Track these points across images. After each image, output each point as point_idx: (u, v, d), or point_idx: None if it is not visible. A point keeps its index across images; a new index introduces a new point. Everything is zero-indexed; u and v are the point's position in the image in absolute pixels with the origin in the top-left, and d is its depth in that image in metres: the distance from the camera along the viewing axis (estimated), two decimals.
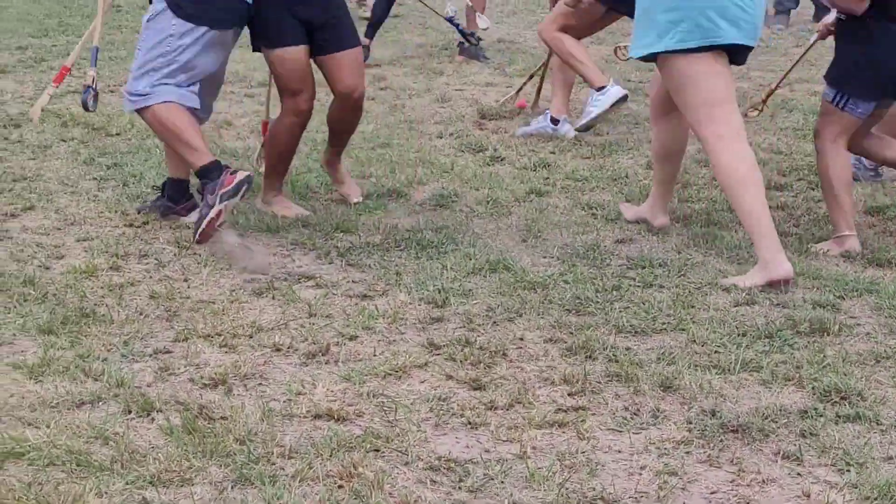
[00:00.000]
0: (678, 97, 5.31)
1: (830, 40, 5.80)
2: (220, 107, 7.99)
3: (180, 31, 5.45)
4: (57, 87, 6.14)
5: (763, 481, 3.49)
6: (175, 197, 5.88)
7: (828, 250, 5.43)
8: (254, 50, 5.90)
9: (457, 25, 9.65)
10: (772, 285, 4.95)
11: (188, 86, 5.54)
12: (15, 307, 4.69)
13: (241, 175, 5.28)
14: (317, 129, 7.45)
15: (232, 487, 3.41)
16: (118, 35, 10.48)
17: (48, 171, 6.61)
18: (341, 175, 6.20)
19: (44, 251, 5.37)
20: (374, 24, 9.71)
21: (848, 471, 3.53)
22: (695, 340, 4.44)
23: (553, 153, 7.03)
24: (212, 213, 5.22)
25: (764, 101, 6.92)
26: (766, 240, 5.06)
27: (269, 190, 6.01)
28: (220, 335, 4.47)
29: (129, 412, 3.86)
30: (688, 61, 5.20)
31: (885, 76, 5.41)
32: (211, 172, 5.33)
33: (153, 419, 3.82)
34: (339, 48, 5.85)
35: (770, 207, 5.88)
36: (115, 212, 5.91)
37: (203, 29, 5.47)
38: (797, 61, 6.97)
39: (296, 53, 5.76)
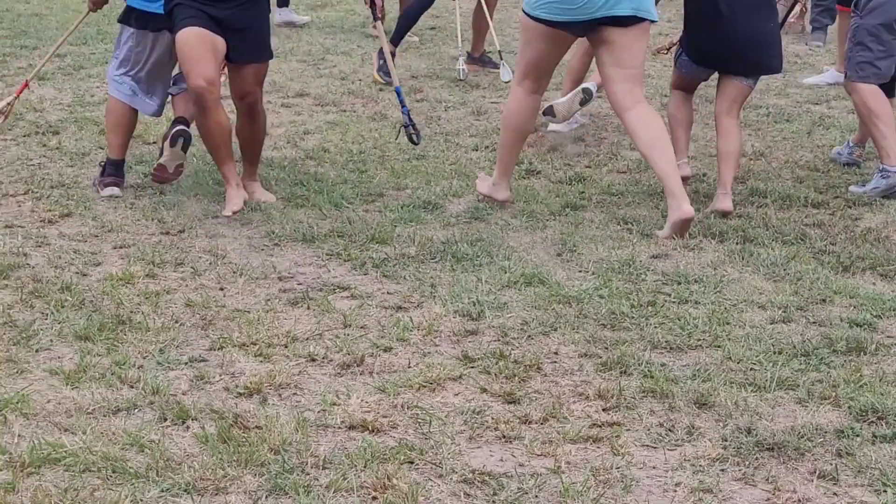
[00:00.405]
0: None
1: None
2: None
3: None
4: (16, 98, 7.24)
5: (799, 500, 3.48)
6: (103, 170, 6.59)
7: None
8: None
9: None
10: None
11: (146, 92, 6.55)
12: (52, 313, 4.72)
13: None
14: (352, 140, 7.48)
15: (266, 497, 3.43)
16: None
17: (86, 178, 6.65)
18: (251, 189, 6.31)
19: (81, 258, 5.40)
20: (400, 32, 9.69)
21: (884, 491, 3.51)
22: (730, 357, 4.42)
23: (589, 167, 7.02)
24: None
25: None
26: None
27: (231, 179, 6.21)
28: (255, 344, 4.49)
29: (165, 420, 3.88)
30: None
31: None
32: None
33: (188, 427, 3.84)
34: (243, 60, 6.14)
35: (807, 225, 5.89)
36: (152, 219, 5.93)
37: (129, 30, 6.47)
38: None
39: (193, 32, 5.95)
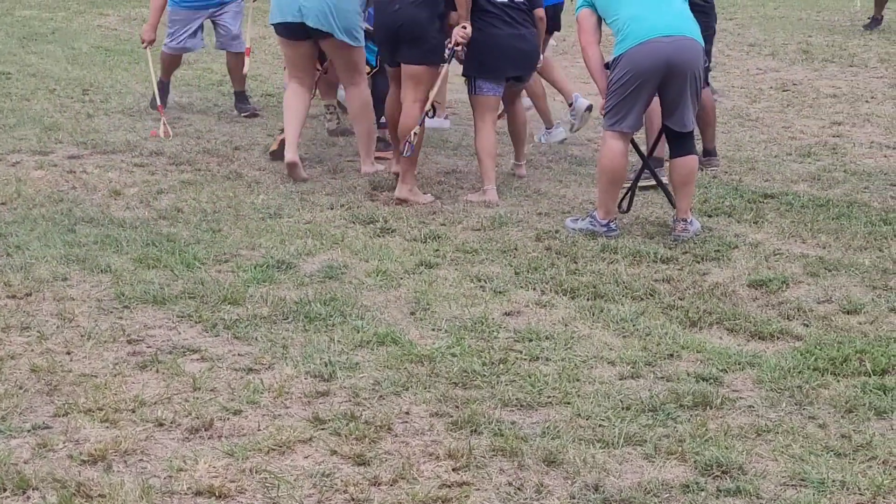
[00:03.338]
0: None
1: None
2: (111, 176, 7.95)
3: None
4: None
5: None
6: None
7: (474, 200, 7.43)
8: None
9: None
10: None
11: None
12: None
13: None
14: (207, 199, 7.41)
15: None
16: (7, 102, 10.34)
17: None
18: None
19: None
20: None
21: None
22: (580, 414, 4.47)
23: (443, 225, 7.05)
24: None
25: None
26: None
27: None
28: (101, 410, 4.42)
29: (4, 490, 3.79)
30: None
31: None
32: None
33: (28, 497, 3.77)
34: None
35: (656, 280, 5.99)
36: None
37: None
38: None
39: None
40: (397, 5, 7.55)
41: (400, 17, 7.52)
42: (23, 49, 13.53)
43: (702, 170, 7.96)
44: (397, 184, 7.60)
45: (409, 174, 7.54)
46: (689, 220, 6.86)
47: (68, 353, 4.99)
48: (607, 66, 6.87)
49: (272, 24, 8.24)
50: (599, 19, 6.92)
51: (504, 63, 7.68)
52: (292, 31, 8.10)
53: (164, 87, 10.15)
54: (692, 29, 6.79)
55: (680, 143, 6.91)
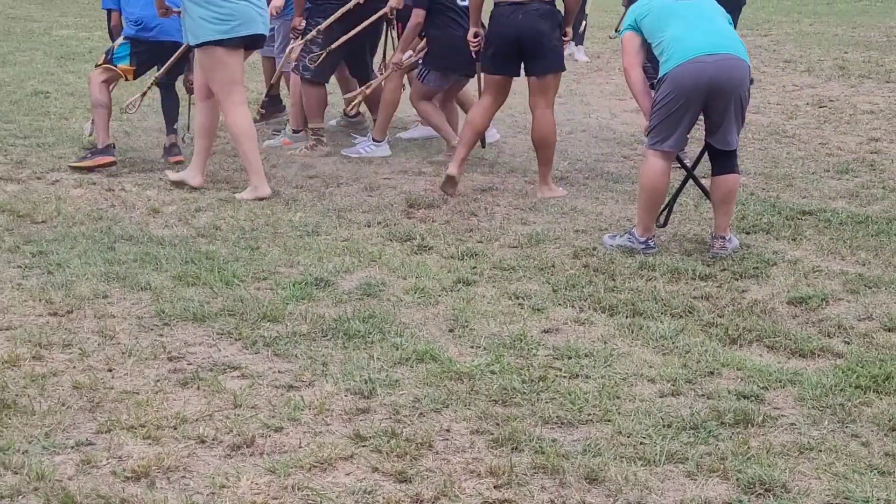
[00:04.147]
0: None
1: None
2: (149, 194, 8.00)
3: None
4: None
5: None
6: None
7: None
8: None
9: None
10: (259, 199, 7.83)
11: None
12: None
13: None
14: (245, 217, 7.44)
15: None
16: (45, 121, 10.42)
17: None
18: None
19: None
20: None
21: None
22: (620, 432, 4.46)
23: (480, 242, 7.06)
24: None
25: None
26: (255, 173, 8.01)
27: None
28: (143, 427, 4.43)
29: None
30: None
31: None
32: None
33: None
34: None
35: (695, 298, 5.97)
36: (39, 300, 5.85)
37: None
38: None
39: None
40: (520, 15, 7.89)
41: (522, 28, 7.90)
42: (60, 68, 13.64)
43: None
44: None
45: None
46: (727, 238, 6.85)
47: (110, 371, 5.01)
48: (652, 86, 6.88)
49: (239, 37, 8.04)
50: (643, 42, 6.93)
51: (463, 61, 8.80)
52: (245, 42, 8.17)
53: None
54: (737, 47, 6.78)
55: (722, 160, 6.89)
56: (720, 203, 6.88)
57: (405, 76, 9.60)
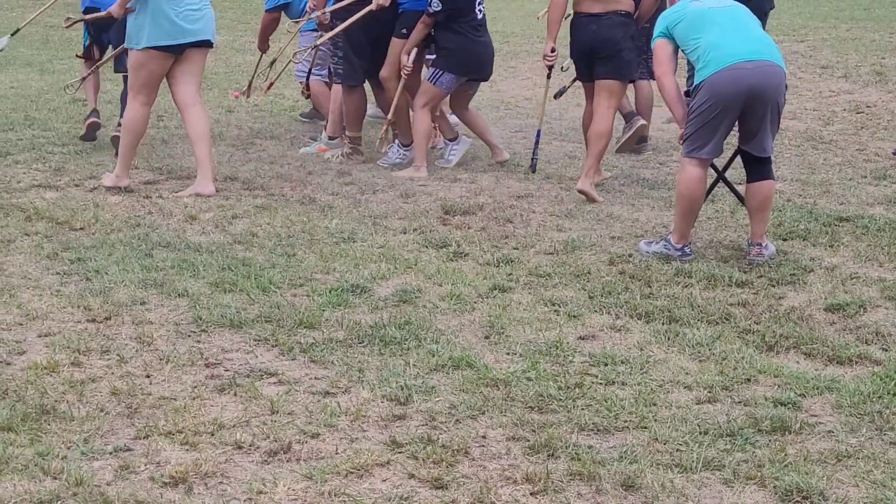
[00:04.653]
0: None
1: None
2: (186, 201, 8.04)
3: None
4: None
5: None
6: None
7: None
8: None
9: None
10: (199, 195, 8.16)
11: None
12: None
13: None
14: (281, 224, 7.47)
15: None
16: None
17: (11, 265, 6.59)
18: None
19: (5, 347, 5.34)
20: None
21: None
22: (657, 439, 4.45)
23: (516, 249, 7.06)
24: None
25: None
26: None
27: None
28: (181, 432, 4.46)
29: None
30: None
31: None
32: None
33: None
34: None
35: (732, 305, 5.95)
36: (78, 307, 5.89)
37: None
38: None
39: None
40: (594, 26, 8.27)
41: (597, 37, 8.27)
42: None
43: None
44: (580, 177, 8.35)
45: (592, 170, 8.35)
46: (763, 244, 6.83)
47: (148, 377, 5.04)
48: (686, 94, 6.86)
49: (176, 44, 8.32)
50: (675, 48, 6.93)
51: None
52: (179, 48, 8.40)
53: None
54: (775, 54, 6.76)
55: (757, 167, 6.87)
56: (756, 210, 6.85)
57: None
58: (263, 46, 11.25)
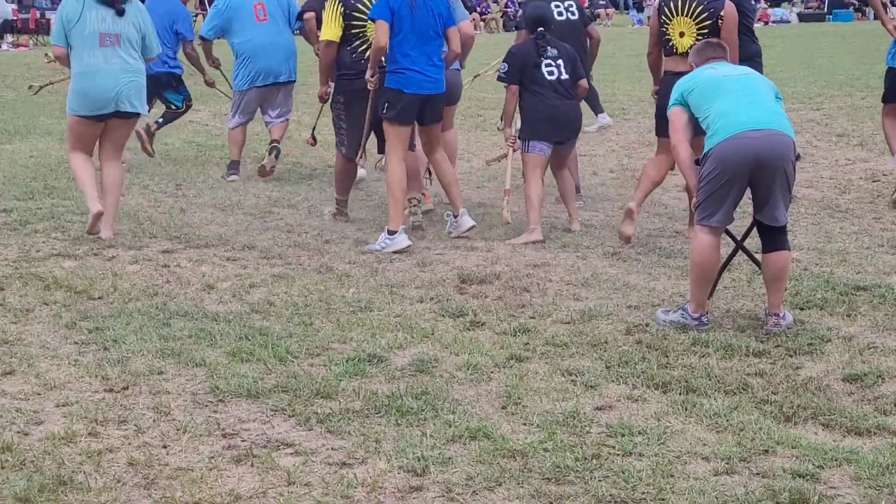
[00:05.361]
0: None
1: None
2: (203, 270, 8.07)
3: None
4: None
5: None
6: None
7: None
8: None
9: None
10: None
11: None
12: None
13: None
14: (298, 293, 7.49)
15: None
16: None
17: (29, 335, 6.63)
18: None
19: (23, 416, 5.36)
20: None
21: None
22: None
23: (533, 318, 7.07)
24: None
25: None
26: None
27: None
28: (198, 503, 4.45)
29: None
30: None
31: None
32: None
33: None
34: None
35: (749, 374, 5.94)
36: (96, 376, 5.91)
37: None
38: None
39: None
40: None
41: None
42: None
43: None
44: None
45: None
46: (781, 314, 6.82)
47: (165, 447, 5.05)
48: (697, 162, 6.90)
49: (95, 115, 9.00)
50: (690, 117, 6.97)
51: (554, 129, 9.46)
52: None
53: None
54: (783, 123, 6.80)
55: (772, 237, 6.88)
56: (772, 280, 6.86)
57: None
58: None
